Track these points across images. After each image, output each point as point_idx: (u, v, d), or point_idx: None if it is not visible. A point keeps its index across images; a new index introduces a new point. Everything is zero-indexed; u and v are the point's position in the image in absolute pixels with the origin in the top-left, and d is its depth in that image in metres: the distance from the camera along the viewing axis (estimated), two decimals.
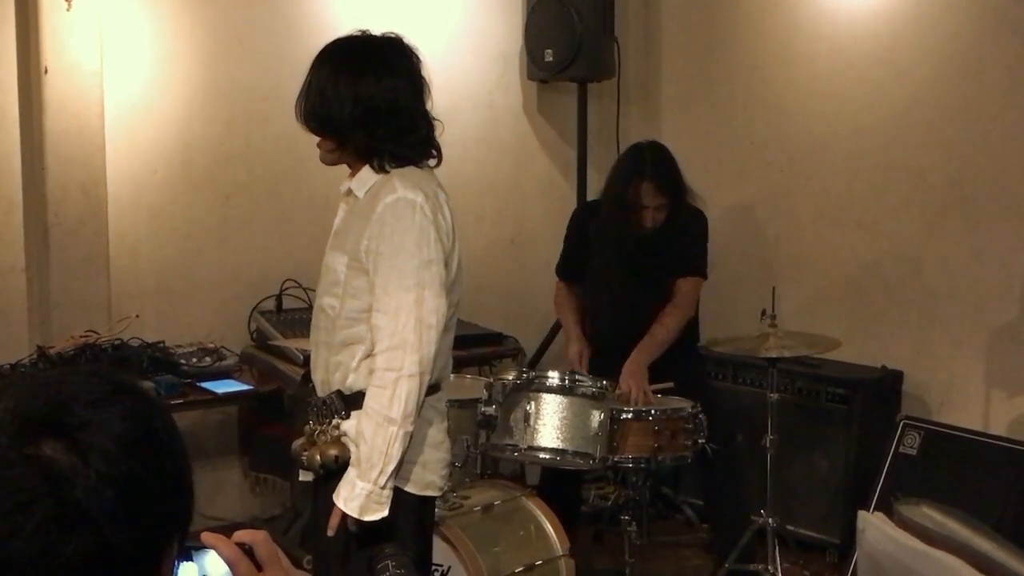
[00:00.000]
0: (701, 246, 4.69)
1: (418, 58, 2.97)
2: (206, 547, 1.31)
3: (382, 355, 2.82)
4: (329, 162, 3.01)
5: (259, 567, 1.34)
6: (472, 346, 4.93)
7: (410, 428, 2.81)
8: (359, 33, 2.97)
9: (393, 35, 2.97)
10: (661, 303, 4.58)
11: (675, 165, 4.62)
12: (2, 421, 1.18)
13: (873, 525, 2.95)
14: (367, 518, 2.81)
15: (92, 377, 1.24)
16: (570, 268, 4.84)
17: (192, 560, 1.31)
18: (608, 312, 4.71)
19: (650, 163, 4.57)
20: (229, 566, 1.32)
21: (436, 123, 2.99)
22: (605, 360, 4.54)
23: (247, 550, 1.33)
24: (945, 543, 2.74)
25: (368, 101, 2.86)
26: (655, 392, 4.33)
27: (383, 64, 2.90)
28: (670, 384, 4.38)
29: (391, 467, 2.80)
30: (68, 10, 4.42)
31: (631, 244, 4.59)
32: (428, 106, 2.97)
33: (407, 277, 2.80)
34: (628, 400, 4.24)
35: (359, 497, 2.80)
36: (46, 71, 4.41)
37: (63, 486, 1.15)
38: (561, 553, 3.99)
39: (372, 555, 2.81)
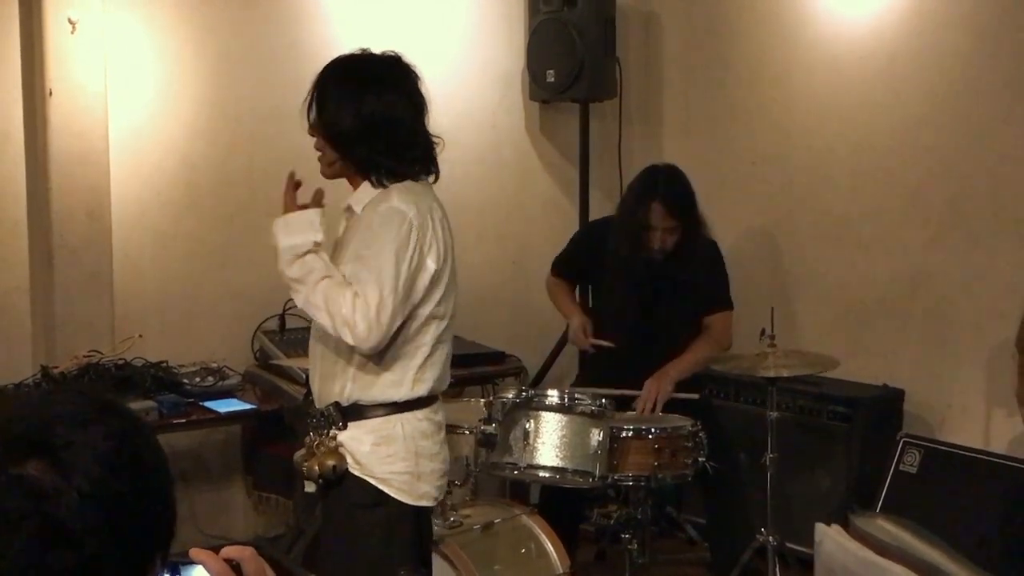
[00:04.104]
0: (724, 278, 4.75)
1: (417, 76, 3.06)
2: (194, 562, 1.34)
3: (359, 307, 2.88)
4: (329, 175, 3.11)
5: None
6: (474, 365, 4.96)
7: (301, 296, 2.97)
8: (360, 51, 3.08)
9: (393, 53, 3.08)
10: (678, 335, 4.61)
11: (689, 189, 4.63)
12: None
13: (830, 537, 3.00)
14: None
15: (77, 397, 1.27)
16: (567, 268, 4.95)
17: (180, 575, 1.33)
18: (619, 334, 4.73)
19: (663, 184, 4.60)
20: None
21: (437, 141, 3.09)
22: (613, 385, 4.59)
23: (234, 566, 1.36)
24: (897, 555, 2.77)
25: (369, 116, 2.96)
26: (680, 400, 4.37)
27: (383, 81, 3.01)
28: (695, 396, 4.41)
29: (288, 271, 2.99)
30: (72, 33, 4.46)
31: (641, 266, 4.61)
32: (427, 123, 3.06)
33: (378, 278, 2.89)
34: (643, 401, 4.30)
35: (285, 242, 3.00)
36: (51, 93, 4.45)
37: (47, 505, 1.18)
38: (561, 572, 4.00)
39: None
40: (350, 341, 2.89)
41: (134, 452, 1.26)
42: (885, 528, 2.98)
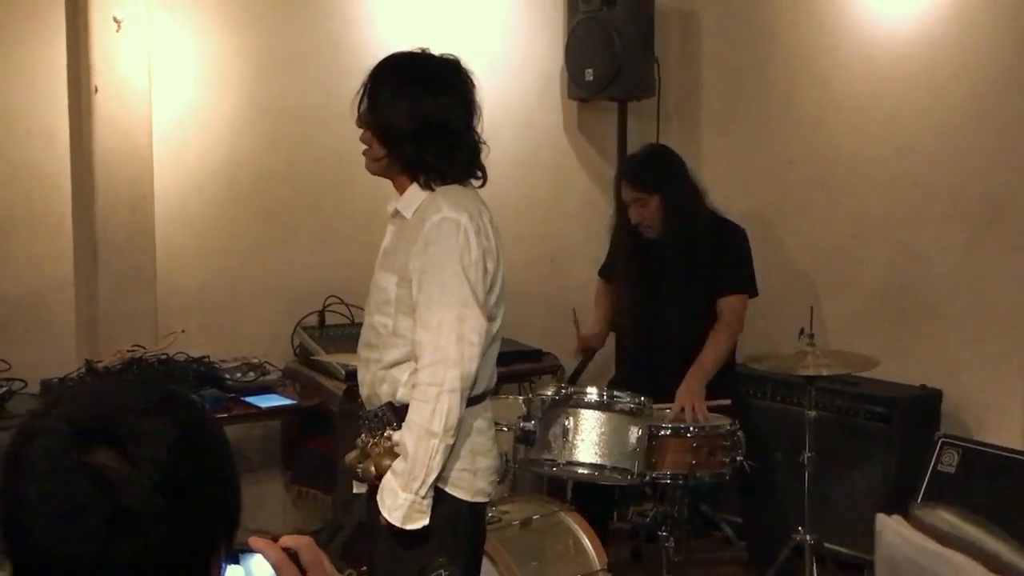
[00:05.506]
0: (742, 262, 4.68)
1: (473, 82, 3.05)
2: (253, 551, 1.36)
3: (425, 370, 2.89)
4: (375, 171, 3.08)
5: (303, 572, 1.39)
6: (512, 362, 4.98)
7: (451, 441, 2.89)
8: (419, 51, 3.06)
9: (451, 56, 3.06)
10: (696, 321, 4.60)
11: (656, 161, 4.68)
12: (57, 429, 1.24)
13: (890, 528, 3.00)
14: (409, 527, 2.89)
15: (143, 387, 1.30)
16: (605, 268, 4.98)
17: (239, 563, 1.36)
18: (631, 320, 4.80)
19: (628, 161, 4.82)
20: (275, 570, 1.36)
21: (484, 146, 3.07)
22: (631, 370, 4.62)
23: (292, 555, 1.38)
24: (959, 545, 2.78)
25: (423, 116, 2.94)
26: (712, 410, 4.34)
27: (439, 82, 2.99)
28: (727, 401, 4.41)
29: (432, 478, 2.89)
30: (118, 31, 4.51)
31: (632, 246, 4.66)
32: (479, 129, 3.05)
33: (449, 295, 2.89)
34: (684, 419, 4.25)
35: (402, 507, 2.88)
36: (96, 90, 4.50)
37: (116, 492, 1.21)
38: (599, 568, 4.02)
39: (424, 566, 2.89)
40: (459, 372, 2.87)
41: (200, 441, 1.29)
42: (946, 518, 2.98)
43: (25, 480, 1.23)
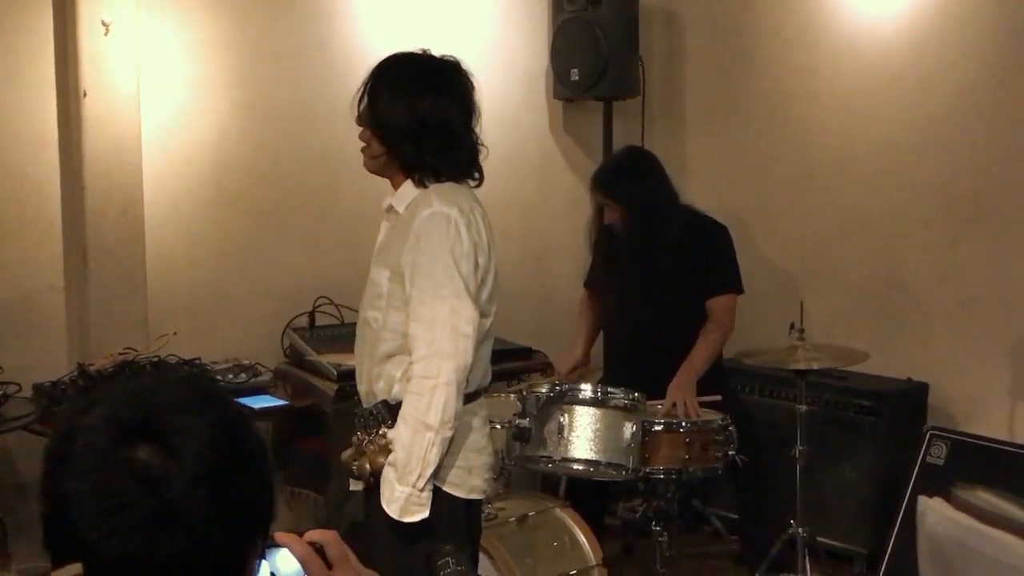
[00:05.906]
0: (728, 261, 4.73)
1: (473, 84, 3.09)
2: (279, 545, 1.39)
3: (419, 363, 2.92)
4: (372, 168, 3.12)
5: (329, 566, 1.41)
6: (501, 361, 4.97)
7: (448, 434, 2.92)
8: (420, 51, 3.10)
9: (452, 58, 3.11)
10: (685, 322, 4.63)
11: (624, 172, 4.73)
12: (99, 427, 1.26)
13: (932, 508, 3.03)
14: (407, 519, 2.92)
15: (182, 385, 1.32)
16: (590, 277, 5.02)
17: (265, 558, 1.38)
18: (617, 320, 4.85)
19: (600, 167, 4.88)
20: (302, 564, 1.39)
21: (482, 148, 3.11)
22: (620, 370, 4.66)
23: (318, 549, 1.41)
24: (1002, 523, 2.81)
25: (422, 116, 2.98)
26: (703, 405, 4.37)
27: (440, 83, 3.03)
28: (718, 397, 4.45)
29: (429, 471, 2.91)
30: (106, 35, 4.51)
31: (615, 244, 4.72)
32: (477, 130, 3.09)
33: (441, 287, 2.92)
34: (676, 415, 4.28)
35: (399, 500, 2.92)
36: (84, 95, 4.50)
37: (158, 488, 1.23)
38: (594, 563, 4.05)
39: (431, 552, 2.91)
40: (454, 365, 2.89)
41: (238, 437, 1.31)
42: (986, 498, 3.01)
43: (68, 477, 1.25)
